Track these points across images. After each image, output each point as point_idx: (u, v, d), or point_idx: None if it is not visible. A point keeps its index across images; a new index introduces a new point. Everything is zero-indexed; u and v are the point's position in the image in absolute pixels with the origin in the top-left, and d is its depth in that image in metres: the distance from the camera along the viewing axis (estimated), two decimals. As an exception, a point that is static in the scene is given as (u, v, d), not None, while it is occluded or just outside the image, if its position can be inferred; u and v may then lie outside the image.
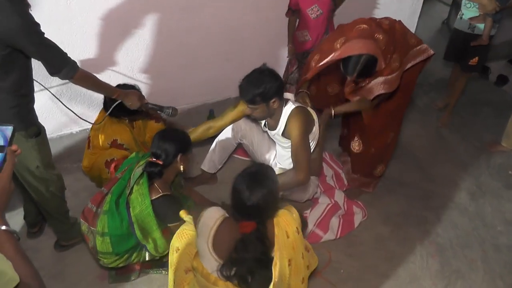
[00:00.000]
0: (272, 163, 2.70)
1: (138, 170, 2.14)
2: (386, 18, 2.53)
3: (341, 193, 2.90)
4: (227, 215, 1.74)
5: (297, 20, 3.36)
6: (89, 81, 2.07)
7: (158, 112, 2.55)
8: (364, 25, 2.38)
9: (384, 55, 2.30)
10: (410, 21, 4.14)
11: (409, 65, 2.47)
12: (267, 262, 1.66)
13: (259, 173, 1.72)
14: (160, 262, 2.34)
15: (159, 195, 2.11)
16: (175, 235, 1.88)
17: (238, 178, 1.71)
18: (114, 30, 2.80)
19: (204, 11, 3.02)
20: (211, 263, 1.68)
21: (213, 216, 1.72)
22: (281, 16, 3.34)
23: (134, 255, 2.21)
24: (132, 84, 2.57)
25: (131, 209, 2.09)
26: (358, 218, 2.76)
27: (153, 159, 2.15)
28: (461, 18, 3.53)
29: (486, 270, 2.53)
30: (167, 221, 2.16)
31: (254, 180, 1.67)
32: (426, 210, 2.92)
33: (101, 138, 2.60)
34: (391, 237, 2.71)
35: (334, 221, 2.68)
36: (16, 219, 2.64)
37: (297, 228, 1.74)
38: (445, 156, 3.45)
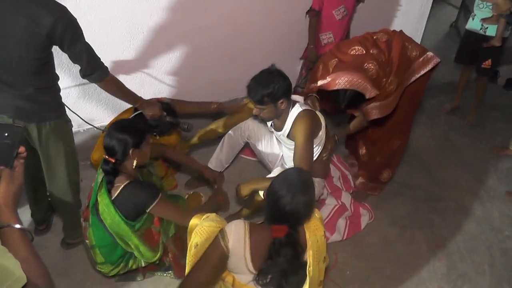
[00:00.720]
0: (278, 163, 2.69)
1: (99, 177, 2.03)
2: (385, 32, 2.51)
3: (348, 195, 2.89)
4: (247, 222, 1.65)
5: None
6: (116, 86, 2.12)
7: (175, 126, 2.59)
8: (359, 47, 2.38)
9: (377, 83, 2.32)
10: (419, 24, 4.11)
11: (413, 78, 2.45)
12: (298, 266, 1.63)
13: (301, 178, 1.66)
14: (164, 266, 2.33)
15: (119, 189, 1.99)
16: (194, 232, 1.78)
17: (278, 181, 1.64)
18: (122, 29, 2.81)
19: (212, 12, 3.02)
20: (246, 275, 1.64)
21: (239, 230, 1.61)
22: (289, 18, 3.34)
23: (131, 262, 2.19)
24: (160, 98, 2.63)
25: (104, 221, 2.03)
26: (364, 220, 2.75)
27: (106, 156, 2.03)
28: (473, 19, 3.50)
29: (493, 275, 2.51)
30: (142, 207, 2.02)
31: (297, 186, 1.60)
32: (433, 213, 2.91)
33: None
34: (397, 240, 2.70)
35: (341, 223, 2.67)
36: (23, 217, 2.64)
37: (324, 232, 1.72)
38: (452, 159, 3.43)
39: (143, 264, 2.21)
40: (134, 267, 2.22)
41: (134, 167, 2.05)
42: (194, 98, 3.40)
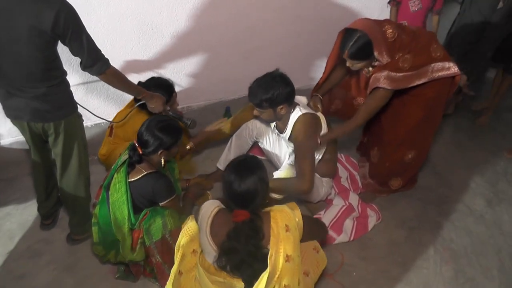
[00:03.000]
0: (287, 162, 2.67)
1: (123, 157, 2.13)
2: (419, 27, 2.51)
3: (356, 195, 2.87)
4: (222, 206, 1.81)
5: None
6: (118, 79, 2.11)
7: (178, 121, 2.57)
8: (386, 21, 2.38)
9: (390, 47, 2.26)
10: (427, 21, 4.06)
11: (427, 79, 2.36)
12: (261, 254, 1.67)
13: (246, 161, 1.80)
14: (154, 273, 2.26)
15: (142, 175, 2.08)
16: (181, 233, 1.87)
17: (228, 170, 1.78)
18: (132, 26, 2.80)
19: (223, 9, 3.00)
20: (210, 254, 1.73)
21: (209, 208, 1.78)
22: (302, 16, 3.30)
23: (120, 254, 2.16)
24: (166, 78, 2.65)
25: (110, 196, 2.09)
26: (372, 221, 2.73)
27: (136, 143, 2.10)
28: None
29: (502, 280, 2.48)
30: (158, 197, 2.11)
31: (242, 168, 1.75)
32: (441, 216, 2.87)
33: (125, 129, 2.60)
34: (405, 242, 2.67)
35: (348, 224, 2.65)
36: (30, 211, 2.66)
37: (291, 247, 1.68)
38: (462, 161, 3.39)
39: (126, 260, 2.18)
40: (122, 260, 2.20)
41: (163, 164, 2.16)
42: (204, 96, 3.41)
